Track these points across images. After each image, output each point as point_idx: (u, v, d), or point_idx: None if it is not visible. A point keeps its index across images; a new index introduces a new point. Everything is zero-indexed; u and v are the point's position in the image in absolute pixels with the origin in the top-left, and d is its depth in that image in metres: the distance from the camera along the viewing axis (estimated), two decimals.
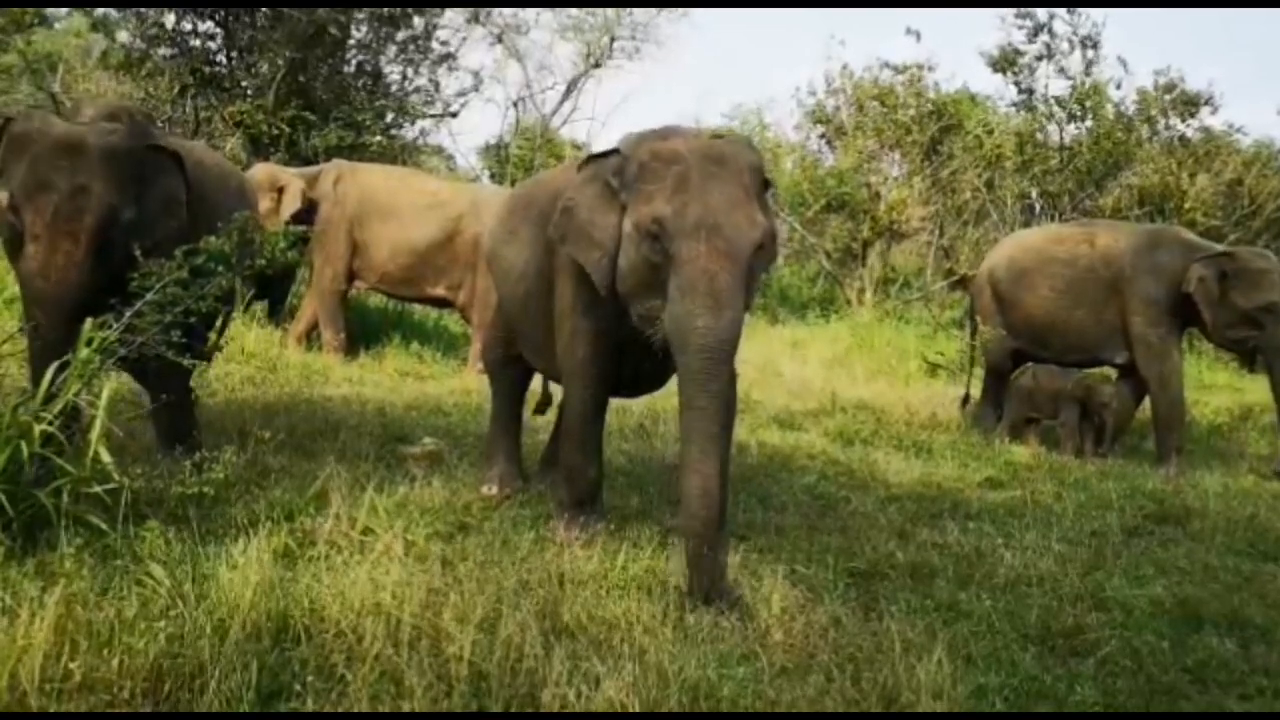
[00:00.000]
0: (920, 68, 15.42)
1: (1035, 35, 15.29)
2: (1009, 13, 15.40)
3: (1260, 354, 7.34)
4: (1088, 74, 15.10)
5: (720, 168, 3.76)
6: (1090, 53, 15.05)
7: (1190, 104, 15.10)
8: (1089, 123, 15.05)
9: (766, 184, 4.07)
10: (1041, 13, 15.18)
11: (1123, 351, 7.48)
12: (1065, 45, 15.13)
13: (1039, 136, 15.31)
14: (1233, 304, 7.10)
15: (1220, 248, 7.72)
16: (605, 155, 4.11)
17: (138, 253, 4.09)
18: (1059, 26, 15.16)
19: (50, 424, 3.57)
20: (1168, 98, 15.06)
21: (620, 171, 3.92)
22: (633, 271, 3.84)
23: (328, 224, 8.86)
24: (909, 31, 15.23)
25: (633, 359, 4.21)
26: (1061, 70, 15.30)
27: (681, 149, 3.82)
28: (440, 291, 9.09)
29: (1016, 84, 15.69)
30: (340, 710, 2.65)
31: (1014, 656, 3.40)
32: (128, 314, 3.95)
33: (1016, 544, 4.65)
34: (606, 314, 4.09)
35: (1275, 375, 7.29)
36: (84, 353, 3.77)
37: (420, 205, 8.92)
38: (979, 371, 8.38)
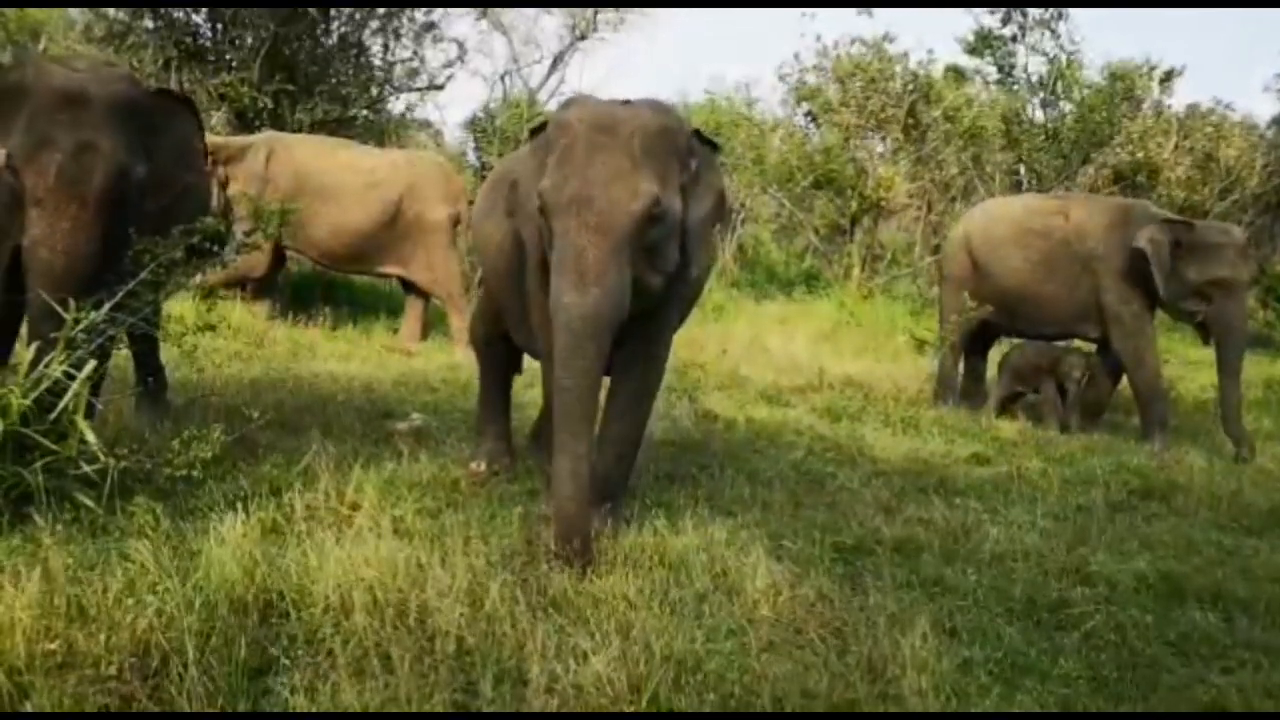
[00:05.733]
0: (884, 40, 15.41)
1: (1007, 20, 15.39)
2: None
3: (1208, 328, 7.36)
4: (1061, 48, 15.17)
5: (608, 137, 3.70)
6: (1061, 25, 15.14)
7: (1165, 79, 15.20)
8: (1074, 96, 15.07)
9: (714, 146, 4.10)
10: None
11: (1095, 326, 7.52)
12: (1035, 23, 15.23)
13: (1023, 114, 15.34)
14: (1183, 275, 7.09)
15: (1201, 223, 7.75)
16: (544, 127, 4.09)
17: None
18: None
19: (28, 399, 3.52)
20: (1148, 74, 15.13)
21: (546, 144, 3.90)
22: (548, 246, 3.80)
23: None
24: (860, 12, 15.32)
25: None
26: (1034, 48, 15.40)
27: (573, 119, 3.78)
28: (390, 269, 9.01)
29: (996, 65, 15.75)
30: (329, 683, 2.65)
31: (999, 630, 3.42)
32: (120, 292, 3.84)
33: (1002, 519, 4.67)
34: None
35: (1220, 350, 7.31)
36: (71, 328, 3.67)
37: (358, 185, 8.75)
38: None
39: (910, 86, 15.11)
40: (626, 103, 3.97)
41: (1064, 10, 15.14)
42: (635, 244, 3.66)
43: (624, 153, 3.67)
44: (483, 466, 4.83)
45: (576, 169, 3.65)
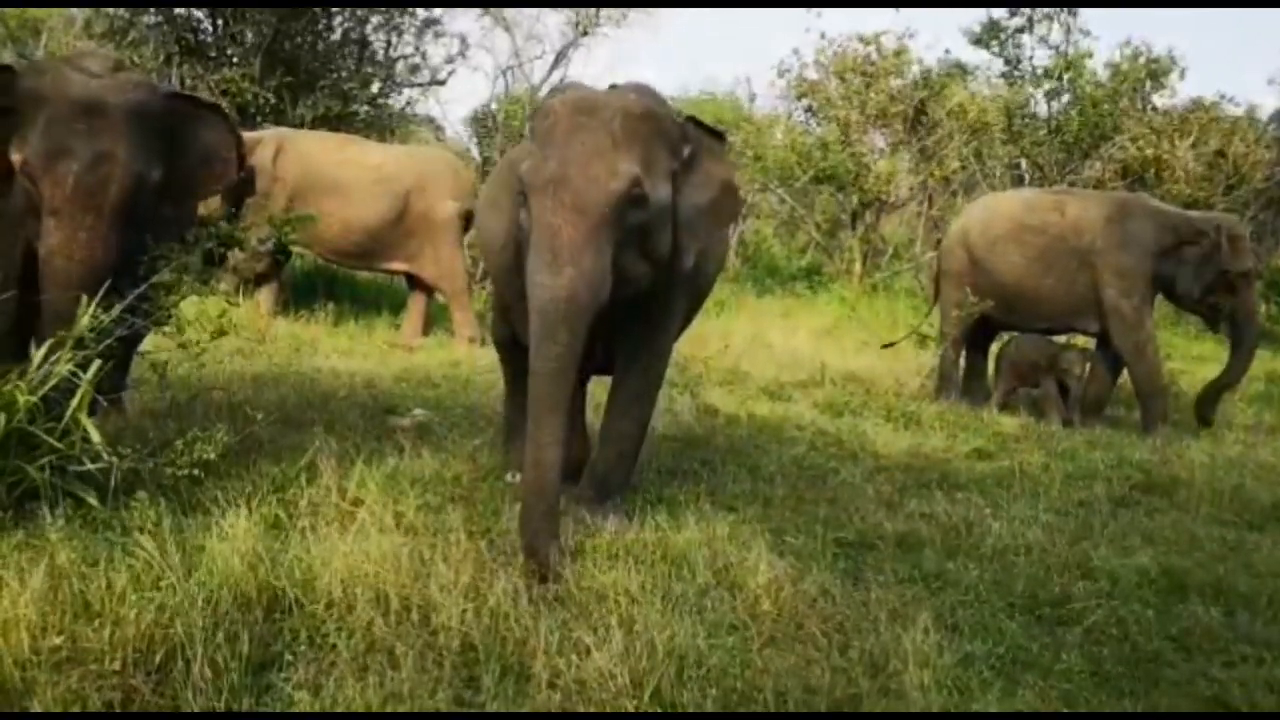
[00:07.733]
0: (900, 36, 15.38)
1: (1014, 13, 15.43)
2: None
3: (1230, 318, 7.50)
4: (1069, 42, 15.19)
5: (589, 118, 3.60)
6: (1070, 20, 15.15)
7: (1156, 74, 15.19)
8: (1079, 90, 15.06)
9: (718, 135, 4.02)
10: None
11: (1094, 320, 7.56)
12: (1044, 16, 15.26)
13: (1027, 108, 15.32)
14: (1218, 269, 7.21)
15: (1198, 214, 7.84)
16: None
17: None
18: None
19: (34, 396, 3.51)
20: (1139, 67, 15.14)
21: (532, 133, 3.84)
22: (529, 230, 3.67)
23: (266, 199, 8.44)
24: (885, 9, 15.35)
25: (604, 331, 3.89)
26: (1043, 40, 15.40)
27: (556, 104, 3.71)
28: (398, 265, 8.99)
29: (1001, 56, 15.74)
30: (333, 679, 2.66)
31: (1001, 625, 3.42)
32: (129, 295, 3.85)
33: (1004, 514, 4.67)
34: None
35: (1241, 339, 7.54)
36: (81, 327, 3.65)
37: (367, 180, 8.71)
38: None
39: (921, 82, 15.09)
40: (613, 88, 3.89)
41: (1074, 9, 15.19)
42: (614, 226, 3.54)
43: (604, 133, 3.57)
44: (518, 479, 4.31)
45: (556, 150, 3.56)
